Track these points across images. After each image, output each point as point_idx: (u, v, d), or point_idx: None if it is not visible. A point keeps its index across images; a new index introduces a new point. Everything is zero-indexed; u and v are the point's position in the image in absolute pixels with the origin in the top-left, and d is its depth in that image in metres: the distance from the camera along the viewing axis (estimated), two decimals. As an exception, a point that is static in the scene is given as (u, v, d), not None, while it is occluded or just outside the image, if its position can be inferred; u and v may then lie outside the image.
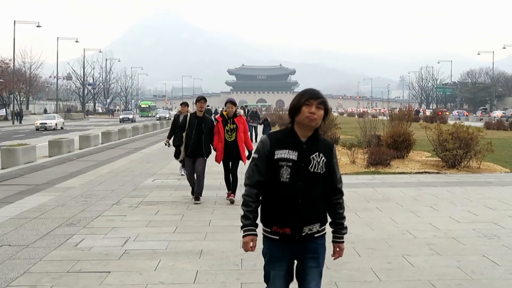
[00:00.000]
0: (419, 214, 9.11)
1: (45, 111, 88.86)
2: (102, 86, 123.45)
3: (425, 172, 14.65)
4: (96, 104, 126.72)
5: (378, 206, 9.81)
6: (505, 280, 5.70)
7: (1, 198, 11.15)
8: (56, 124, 50.20)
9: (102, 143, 29.40)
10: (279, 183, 3.49)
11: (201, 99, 10.33)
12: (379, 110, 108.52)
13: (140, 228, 8.09)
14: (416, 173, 14.61)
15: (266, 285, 3.67)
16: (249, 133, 11.73)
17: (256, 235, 3.61)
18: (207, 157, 10.29)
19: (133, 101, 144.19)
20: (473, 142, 15.14)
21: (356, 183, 12.38)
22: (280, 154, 3.49)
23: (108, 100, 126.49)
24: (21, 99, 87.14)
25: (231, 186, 10.29)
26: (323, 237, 3.61)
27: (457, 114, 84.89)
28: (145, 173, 14.78)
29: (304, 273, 3.59)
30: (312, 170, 3.50)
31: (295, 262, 3.64)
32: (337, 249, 3.70)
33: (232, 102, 10.23)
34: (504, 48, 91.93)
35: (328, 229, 3.68)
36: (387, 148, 16.57)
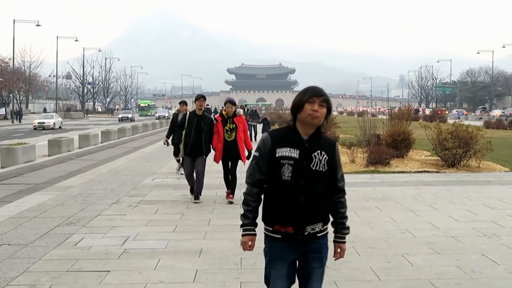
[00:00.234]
0: (419, 213, 9.11)
1: (45, 110, 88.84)
2: (101, 85, 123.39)
3: (425, 171, 14.65)
4: (96, 103, 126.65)
5: (378, 205, 9.81)
6: (504, 279, 5.71)
7: (1, 197, 11.14)
8: (54, 123, 49.85)
9: (101, 142, 29.38)
10: (280, 181, 3.45)
11: (200, 97, 10.29)
12: (379, 109, 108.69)
13: (140, 227, 8.09)
14: (415, 172, 14.61)
15: (266, 287, 3.63)
16: (248, 132, 11.71)
17: (255, 234, 3.60)
18: (206, 156, 10.24)
19: (132, 100, 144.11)
20: (472, 141, 15.14)
21: (355, 182, 12.38)
22: (282, 152, 3.46)
23: (108, 99, 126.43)
24: (21, 98, 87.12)
25: (230, 186, 10.25)
26: (325, 236, 3.58)
27: (456, 113, 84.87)
28: (145, 172, 14.77)
29: (308, 273, 3.56)
30: (314, 168, 3.46)
31: (297, 263, 3.59)
32: (338, 249, 3.65)
33: (231, 102, 10.17)
34: (504, 47, 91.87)
35: (330, 229, 3.66)
36: (387, 147, 16.58)
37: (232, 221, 8.43)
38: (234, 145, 10.03)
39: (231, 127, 10.04)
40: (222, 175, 10.47)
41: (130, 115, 78.16)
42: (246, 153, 10.22)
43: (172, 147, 11.83)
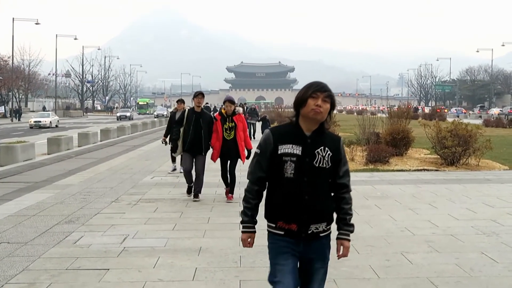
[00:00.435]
0: (418, 212, 9.12)
1: (44, 109, 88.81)
2: (101, 83, 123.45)
3: (424, 170, 14.65)
4: (95, 102, 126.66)
5: (377, 203, 9.82)
6: (503, 277, 5.71)
7: (0, 196, 11.13)
8: (50, 122, 49.14)
9: (101, 141, 29.37)
10: (283, 178, 3.39)
11: (198, 95, 10.23)
12: (378, 107, 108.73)
13: (139, 226, 8.09)
14: (415, 170, 14.62)
15: (271, 286, 3.51)
16: (248, 131, 11.66)
17: (254, 232, 3.58)
18: (205, 153, 10.19)
19: (132, 98, 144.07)
20: (472, 139, 15.14)
21: (355, 180, 12.34)
22: (284, 149, 3.39)
23: (107, 98, 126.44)
24: (20, 97, 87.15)
25: (229, 185, 10.21)
26: (328, 236, 3.52)
27: (455, 111, 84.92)
28: (144, 171, 14.77)
29: (310, 274, 3.51)
30: (317, 165, 3.39)
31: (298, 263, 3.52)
32: (341, 246, 3.54)
33: (230, 101, 10.05)
34: (503, 45, 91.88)
35: (333, 229, 3.59)
36: (386, 146, 16.57)
37: (231, 219, 8.43)
38: (233, 144, 9.96)
39: (230, 126, 9.97)
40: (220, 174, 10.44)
41: (128, 114, 77.86)
42: (246, 152, 10.17)
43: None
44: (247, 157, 10.00)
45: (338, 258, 3.60)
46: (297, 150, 3.38)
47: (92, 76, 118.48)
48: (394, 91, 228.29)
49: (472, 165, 15.28)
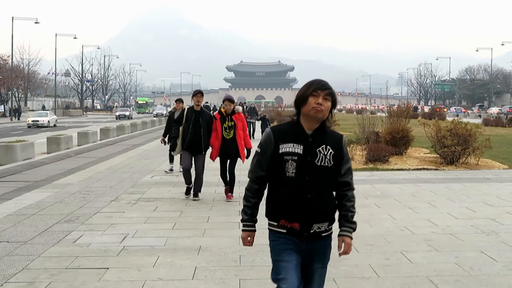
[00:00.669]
0: (417, 211, 9.12)
1: (43, 108, 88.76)
2: (100, 82, 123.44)
3: (424, 169, 14.66)
4: (95, 101, 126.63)
5: (377, 202, 9.82)
6: (503, 276, 5.72)
7: (0, 195, 11.14)
8: (48, 121, 48.83)
9: (100, 140, 29.37)
10: (285, 178, 3.37)
11: (197, 93, 10.20)
12: (378, 106, 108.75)
13: (139, 225, 8.09)
14: (414, 169, 14.62)
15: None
16: (247, 130, 11.63)
17: (253, 231, 3.57)
18: (205, 152, 10.15)
19: (131, 97, 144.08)
20: (471, 138, 15.15)
21: (354, 179, 12.33)
22: (285, 148, 3.37)
23: (107, 97, 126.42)
24: (19, 96, 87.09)
25: (229, 184, 10.18)
26: (330, 236, 3.50)
27: (454, 111, 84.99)
28: (144, 170, 14.77)
29: (309, 273, 3.49)
30: (319, 164, 3.36)
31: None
32: (342, 243, 3.48)
33: (229, 100, 10.01)
34: (503, 44, 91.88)
35: (335, 226, 3.57)
36: (386, 145, 16.58)
37: (231, 218, 8.44)
38: (232, 143, 9.91)
39: (230, 125, 9.92)
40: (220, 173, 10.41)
41: (127, 113, 77.52)
42: (245, 152, 10.12)
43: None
44: (247, 157, 9.99)
45: (340, 256, 3.54)
46: (298, 149, 3.36)
47: (91, 75, 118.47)
48: (394, 90, 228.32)
49: (471, 164, 15.29)
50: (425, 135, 16.70)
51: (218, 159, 10.13)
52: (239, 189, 10.61)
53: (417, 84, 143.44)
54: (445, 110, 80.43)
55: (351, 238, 3.50)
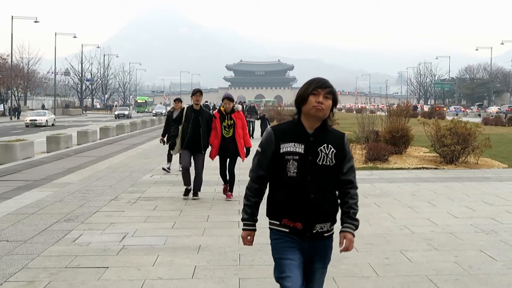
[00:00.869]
0: (417, 210, 9.12)
1: (43, 107, 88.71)
2: (100, 81, 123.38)
3: (423, 168, 14.66)
4: (94, 100, 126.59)
5: (376, 201, 9.82)
6: (502, 275, 5.72)
7: (-1, 194, 11.14)
8: (46, 120, 48.36)
9: (100, 139, 29.36)
10: (286, 178, 3.34)
11: (196, 92, 10.12)
12: (377, 105, 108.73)
13: (138, 224, 8.09)
14: (414, 168, 14.62)
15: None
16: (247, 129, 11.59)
17: (253, 230, 3.56)
18: (205, 151, 10.10)
19: (131, 96, 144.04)
20: (471, 137, 15.15)
21: (354, 178, 12.36)
22: (286, 147, 3.34)
23: (106, 96, 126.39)
24: (19, 95, 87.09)
25: (229, 183, 10.15)
26: (331, 237, 3.48)
27: (454, 110, 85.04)
28: (143, 169, 14.77)
29: (310, 273, 3.47)
30: (320, 163, 3.33)
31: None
32: (344, 239, 3.41)
33: (229, 98, 9.96)
34: (502, 44, 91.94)
35: (337, 225, 3.54)
36: (385, 144, 16.58)
37: (231, 218, 8.44)
38: (232, 142, 9.85)
39: (229, 123, 9.87)
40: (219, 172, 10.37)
41: (126, 112, 77.28)
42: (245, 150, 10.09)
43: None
44: (246, 155, 9.98)
45: (341, 252, 3.48)
46: (299, 148, 3.33)
47: (91, 74, 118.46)
48: (394, 89, 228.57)
49: (471, 163, 15.29)
50: (424, 134, 16.70)
51: (217, 158, 10.12)
52: (239, 188, 10.61)
53: (416, 83, 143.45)
54: (444, 109, 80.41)
55: (353, 235, 3.44)
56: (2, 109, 77.40)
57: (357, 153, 16.78)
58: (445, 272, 5.78)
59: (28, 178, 13.72)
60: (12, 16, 64.46)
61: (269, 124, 31.18)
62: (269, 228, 3.48)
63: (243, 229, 3.57)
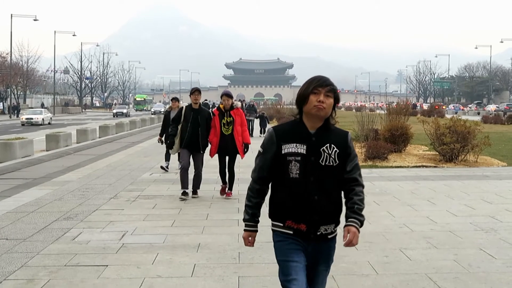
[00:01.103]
0: (416, 208, 9.13)
1: (42, 105, 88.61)
2: (99, 80, 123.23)
3: (423, 166, 14.67)
4: (94, 98, 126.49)
5: (376, 200, 9.82)
6: (502, 273, 5.72)
7: (-1, 192, 11.13)
8: (43, 119, 47.86)
9: (99, 137, 29.37)
10: (289, 179, 3.27)
11: (195, 91, 10.02)
12: (377, 104, 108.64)
13: (138, 222, 8.09)
14: (413, 167, 14.63)
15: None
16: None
17: (255, 231, 3.51)
18: (204, 151, 10.06)
19: (130, 95, 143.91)
20: (470, 136, 15.16)
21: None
22: (288, 148, 3.27)
23: (106, 94, 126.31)
24: (18, 93, 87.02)
25: (228, 182, 10.11)
26: (335, 238, 3.42)
27: (453, 108, 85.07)
28: (143, 167, 14.77)
29: (313, 275, 3.42)
30: (323, 164, 3.26)
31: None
32: (347, 232, 3.28)
33: (227, 95, 9.91)
34: (502, 42, 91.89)
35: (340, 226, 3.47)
36: (385, 142, 16.58)
37: (230, 216, 8.44)
38: (231, 139, 9.80)
39: (229, 121, 9.81)
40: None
41: (125, 110, 77.04)
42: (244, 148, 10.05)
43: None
44: (245, 151, 9.95)
45: (344, 246, 3.33)
46: (301, 149, 3.26)
47: (90, 72, 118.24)
48: (393, 87, 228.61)
49: (470, 161, 15.30)
50: (424, 133, 16.70)
51: (216, 156, 10.07)
52: (238, 187, 10.62)
53: (416, 81, 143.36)
54: (443, 107, 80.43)
55: (358, 229, 3.30)
56: (2, 108, 77.38)
57: (357, 151, 16.68)
58: (445, 270, 5.78)
59: (28, 176, 13.72)
60: (11, 14, 64.41)
61: (268, 123, 31.24)
62: (272, 230, 3.42)
63: (244, 230, 3.52)
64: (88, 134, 27.29)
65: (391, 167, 14.61)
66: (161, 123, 14.99)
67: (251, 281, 5.47)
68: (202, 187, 10.37)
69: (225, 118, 9.83)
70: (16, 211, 8.91)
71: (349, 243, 3.27)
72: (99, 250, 6.58)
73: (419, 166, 14.65)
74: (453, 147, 15.01)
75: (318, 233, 3.30)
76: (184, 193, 10.00)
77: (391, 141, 17.01)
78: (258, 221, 3.51)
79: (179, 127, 10.03)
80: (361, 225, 3.33)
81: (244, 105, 31.78)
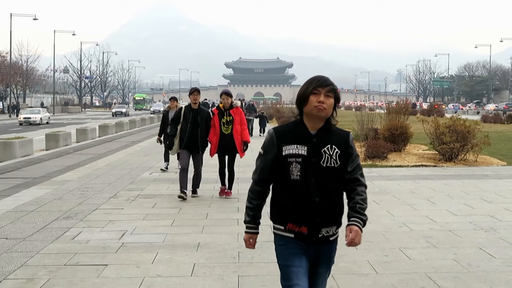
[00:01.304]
0: (416, 207, 9.13)
1: (42, 105, 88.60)
2: (99, 79, 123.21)
3: (422, 165, 14.67)
4: (93, 98, 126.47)
5: (375, 199, 9.82)
6: (501, 272, 5.72)
7: (-2, 192, 11.13)
8: (41, 118, 47.55)
9: (99, 136, 29.37)
10: (290, 181, 3.23)
11: (194, 91, 9.96)
12: (377, 103, 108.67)
13: (137, 221, 8.09)
14: (413, 166, 14.63)
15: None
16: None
17: (255, 233, 3.48)
18: (203, 151, 10.01)
19: (130, 94, 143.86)
20: (470, 135, 15.17)
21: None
22: (288, 150, 3.23)
23: (105, 94, 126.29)
24: (18, 93, 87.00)
25: (228, 181, 10.09)
26: (336, 240, 3.39)
27: (452, 107, 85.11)
28: (142, 167, 14.77)
29: (314, 277, 3.38)
30: (324, 165, 3.21)
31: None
32: (349, 232, 3.22)
33: (227, 94, 9.87)
34: (502, 41, 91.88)
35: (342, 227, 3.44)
36: (384, 141, 16.59)
37: (230, 215, 8.44)
38: (231, 139, 9.78)
39: (228, 120, 9.78)
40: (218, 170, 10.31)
41: (124, 110, 76.81)
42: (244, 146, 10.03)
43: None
44: (245, 149, 9.92)
45: (347, 245, 3.28)
46: (302, 150, 3.22)
47: (90, 72, 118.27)
48: (393, 87, 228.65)
49: (470, 161, 15.31)
50: (423, 132, 16.71)
51: (216, 155, 10.05)
52: (238, 186, 10.62)
53: (416, 80, 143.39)
54: (443, 106, 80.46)
55: (360, 228, 3.25)
56: (1, 107, 77.38)
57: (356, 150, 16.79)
58: (444, 270, 5.78)
59: (27, 175, 13.72)
60: (11, 14, 64.53)
61: (268, 122, 31.24)
62: (273, 232, 3.39)
63: (245, 232, 3.49)
64: (88, 134, 27.29)
65: (391, 166, 14.62)
66: (160, 122, 14.93)
67: (250, 280, 5.47)
68: (202, 186, 10.37)
69: (225, 117, 9.81)
70: (16, 210, 8.91)
71: (351, 242, 3.23)
72: (99, 249, 6.59)
73: (419, 166, 14.65)
74: (452, 147, 15.02)
75: (320, 236, 3.26)
76: (183, 193, 9.97)
77: (390, 140, 17.02)
78: (259, 223, 3.48)
79: (179, 127, 10.00)
80: (364, 225, 3.29)
81: (244, 104, 31.77)
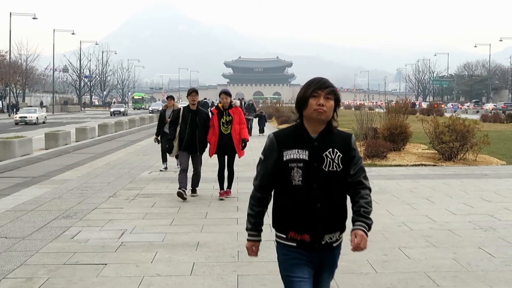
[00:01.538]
0: (415, 206, 9.13)
1: (41, 104, 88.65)
2: (98, 78, 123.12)
3: (422, 165, 14.68)
4: (93, 97, 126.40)
5: (375, 198, 9.70)
6: (500, 271, 5.73)
7: (-2, 191, 11.13)
8: (37, 118, 46.87)
9: (98, 136, 29.36)
10: (291, 186, 3.14)
11: (192, 92, 9.90)
12: (376, 102, 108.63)
13: (137, 221, 8.09)
14: (412, 165, 14.64)
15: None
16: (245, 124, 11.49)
17: (258, 241, 3.39)
18: (202, 153, 9.93)
19: (129, 93, 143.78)
20: (469, 134, 15.17)
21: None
22: (289, 154, 3.14)
23: (105, 93, 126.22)
24: (17, 92, 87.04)
25: (228, 180, 10.04)
26: (340, 246, 3.32)
27: (451, 106, 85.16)
28: (142, 166, 14.77)
29: (318, 281, 3.31)
30: (326, 170, 3.13)
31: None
32: (354, 236, 3.15)
33: (226, 93, 9.81)
34: (501, 40, 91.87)
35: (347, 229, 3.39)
36: (384, 141, 16.59)
37: (229, 214, 8.45)
38: (230, 139, 9.72)
39: (228, 120, 9.71)
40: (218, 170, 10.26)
41: (122, 109, 76.46)
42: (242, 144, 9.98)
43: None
44: (243, 147, 9.88)
45: (352, 250, 3.19)
46: (303, 155, 3.13)
47: (89, 71, 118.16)
48: (392, 86, 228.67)
49: (469, 160, 15.31)
50: (423, 131, 16.71)
51: (215, 156, 10.00)
52: (237, 185, 10.62)
53: (415, 80, 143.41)
54: (442, 106, 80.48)
55: (365, 232, 3.18)
56: (1, 106, 77.34)
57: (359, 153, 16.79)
58: (444, 269, 5.79)
59: (27, 175, 13.72)
60: (10, 13, 64.38)
61: (266, 121, 31.23)
62: (276, 241, 3.31)
63: (248, 240, 3.40)
64: (87, 133, 27.28)
65: (390, 165, 14.62)
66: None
67: (250, 280, 5.47)
68: (201, 185, 10.37)
69: (224, 117, 9.73)
70: (15, 209, 8.91)
71: (357, 247, 3.15)
72: (98, 248, 6.59)
73: (418, 165, 14.65)
74: (452, 146, 15.02)
75: (323, 243, 3.19)
76: (181, 193, 9.90)
77: (390, 139, 17.02)
78: (261, 230, 3.39)
79: (178, 129, 9.93)
80: (369, 229, 3.22)
81: (243, 104, 31.73)
